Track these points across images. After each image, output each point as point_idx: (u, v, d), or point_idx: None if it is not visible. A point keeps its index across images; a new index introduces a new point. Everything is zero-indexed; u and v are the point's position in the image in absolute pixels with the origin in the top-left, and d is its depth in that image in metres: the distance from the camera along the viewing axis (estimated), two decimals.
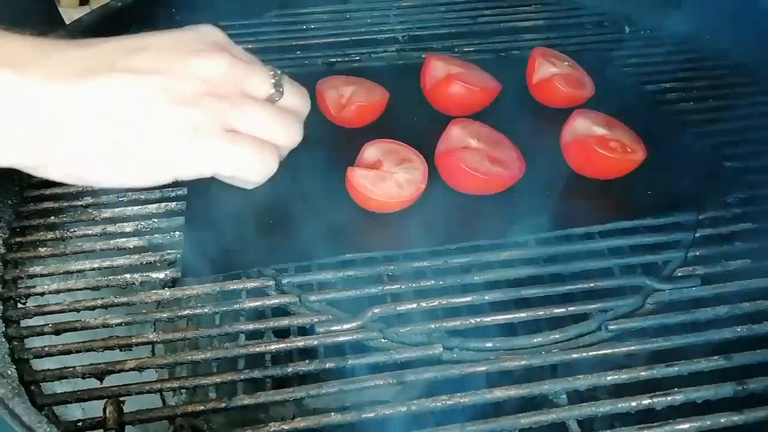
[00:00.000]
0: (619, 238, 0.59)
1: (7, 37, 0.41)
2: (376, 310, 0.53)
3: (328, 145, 0.64)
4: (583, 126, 0.64)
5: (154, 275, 0.56)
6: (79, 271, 0.56)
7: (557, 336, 0.52)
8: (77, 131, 0.41)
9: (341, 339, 0.52)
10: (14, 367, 0.48)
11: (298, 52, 0.85)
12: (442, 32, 0.88)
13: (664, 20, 0.88)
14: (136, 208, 0.61)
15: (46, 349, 0.50)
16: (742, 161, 0.66)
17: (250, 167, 0.46)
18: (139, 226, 0.59)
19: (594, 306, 0.54)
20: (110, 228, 0.59)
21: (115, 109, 0.42)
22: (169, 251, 0.57)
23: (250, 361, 0.52)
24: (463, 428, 0.44)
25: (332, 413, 0.45)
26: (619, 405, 0.46)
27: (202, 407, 0.46)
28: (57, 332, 0.51)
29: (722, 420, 0.45)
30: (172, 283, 0.56)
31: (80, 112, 0.41)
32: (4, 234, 0.59)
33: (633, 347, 0.50)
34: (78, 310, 0.53)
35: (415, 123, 0.70)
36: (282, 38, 0.87)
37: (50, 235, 0.59)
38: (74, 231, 0.60)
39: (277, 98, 0.48)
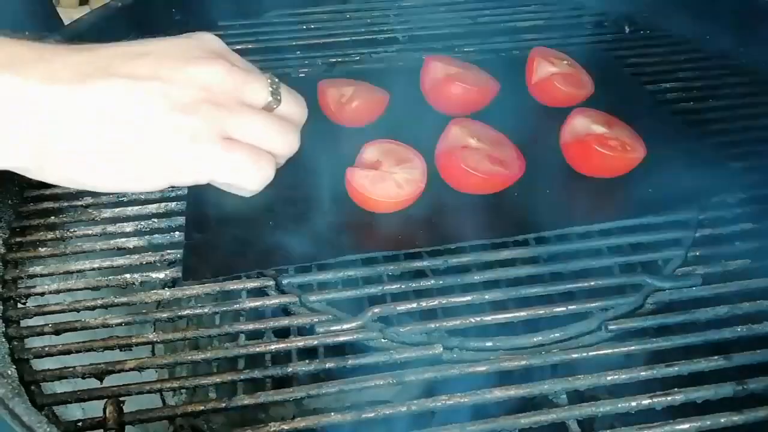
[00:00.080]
0: (619, 237, 0.59)
1: (7, 41, 0.41)
2: (376, 310, 0.53)
3: (328, 145, 0.64)
4: (582, 125, 0.64)
5: (154, 275, 0.56)
6: (79, 271, 0.56)
7: (557, 335, 0.52)
8: (76, 132, 0.41)
9: (341, 339, 0.52)
10: (14, 367, 0.48)
11: (298, 52, 0.85)
12: (442, 32, 0.88)
13: (664, 20, 0.88)
14: (136, 208, 0.61)
15: (46, 349, 0.50)
16: (742, 161, 0.66)
17: (246, 175, 0.46)
18: (139, 226, 0.59)
19: (594, 305, 0.54)
20: (110, 228, 0.59)
21: (114, 110, 0.42)
22: (169, 251, 0.57)
23: (250, 361, 0.52)
24: (463, 428, 0.44)
25: (332, 413, 0.45)
26: (619, 405, 0.46)
27: (202, 407, 0.46)
28: (57, 332, 0.51)
29: (722, 420, 0.45)
30: (172, 283, 0.57)
31: (80, 113, 0.41)
32: (4, 234, 0.59)
33: (633, 347, 0.50)
34: (78, 310, 0.53)
35: (414, 123, 0.70)
36: (282, 38, 0.87)
37: (50, 235, 0.59)
38: (74, 231, 0.60)
39: (275, 106, 0.48)
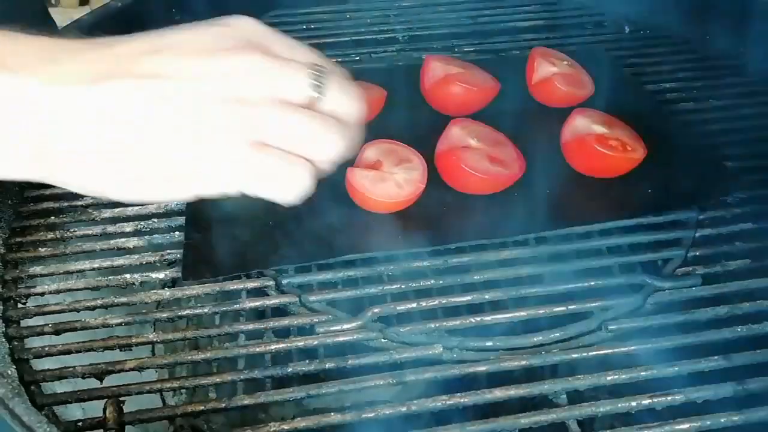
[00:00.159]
0: (619, 237, 0.59)
1: (18, 38, 0.39)
2: (376, 310, 0.53)
3: None
4: (582, 125, 0.64)
5: (154, 275, 0.56)
6: (79, 271, 0.56)
7: (557, 335, 0.52)
8: (81, 134, 0.38)
9: (341, 339, 0.52)
10: (14, 367, 0.48)
11: None
12: (442, 32, 0.88)
13: (664, 20, 0.88)
14: (136, 208, 0.61)
15: (46, 349, 0.50)
16: (742, 161, 0.66)
17: (278, 186, 0.40)
18: (139, 226, 0.59)
19: (594, 305, 0.54)
20: (110, 228, 0.59)
21: (121, 113, 0.38)
22: (169, 251, 0.57)
23: (250, 361, 0.52)
24: (463, 428, 0.44)
25: (332, 413, 0.45)
26: (619, 405, 0.46)
27: (202, 407, 0.46)
28: (57, 332, 0.51)
29: (722, 420, 0.45)
30: (172, 283, 0.57)
31: (83, 114, 0.38)
32: (4, 234, 0.59)
33: (633, 347, 0.50)
34: (78, 310, 0.53)
35: (414, 123, 0.70)
36: None
37: (50, 235, 0.59)
38: (74, 231, 0.60)
39: (319, 101, 0.41)
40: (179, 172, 0.39)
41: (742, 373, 0.48)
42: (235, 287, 0.55)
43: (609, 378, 0.48)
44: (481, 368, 0.49)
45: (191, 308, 0.53)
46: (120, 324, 0.52)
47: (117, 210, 0.61)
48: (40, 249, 0.58)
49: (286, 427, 0.45)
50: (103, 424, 0.45)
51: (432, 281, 0.55)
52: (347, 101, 0.43)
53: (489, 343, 0.52)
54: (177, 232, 0.59)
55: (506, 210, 0.61)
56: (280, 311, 0.55)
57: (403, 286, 0.55)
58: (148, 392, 0.48)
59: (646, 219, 0.61)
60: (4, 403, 0.44)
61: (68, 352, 0.50)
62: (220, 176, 0.40)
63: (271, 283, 0.55)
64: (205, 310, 0.53)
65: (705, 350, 0.49)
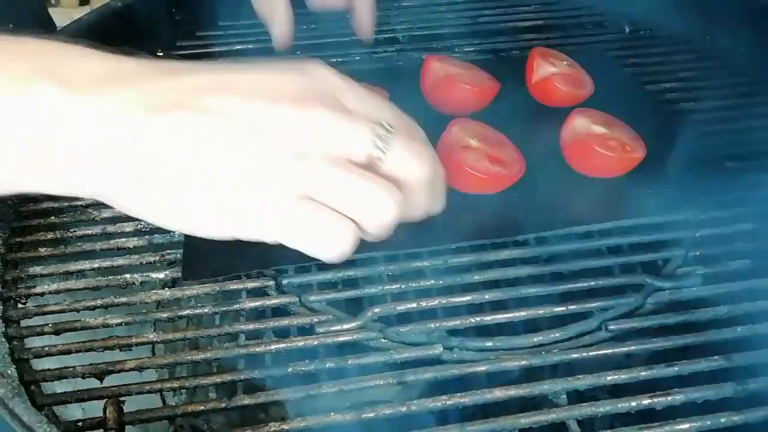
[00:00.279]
0: (619, 237, 0.59)
1: (88, 56, 0.38)
2: (376, 310, 0.53)
3: None
4: (582, 125, 0.64)
5: (154, 275, 0.56)
6: (79, 271, 0.56)
7: (558, 335, 0.52)
8: (128, 161, 0.38)
9: (341, 339, 0.52)
10: (14, 367, 0.48)
11: (298, 52, 0.85)
12: (442, 32, 0.88)
13: (664, 20, 0.88)
14: None
15: (46, 349, 0.50)
16: (742, 161, 0.66)
17: (317, 243, 0.39)
18: (139, 226, 0.59)
19: (594, 305, 0.54)
20: (110, 228, 0.59)
21: (174, 147, 0.37)
22: (169, 251, 0.57)
23: (250, 361, 0.52)
24: (463, 428, 0.44)
25: (332, 413, 0.45)
26: (619, 405, 0.46)
27: (202, 407, 0.46)
28: (57, 332, 0.51)
29: (722, 420, 0.45)
30: (172, 283, 0.57)
31: (141, 142, 0.37)
32: (4, 234, 0.59)
33: (633, 347, 0.50)
34: (78, 310, 0.53)
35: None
36: None
37: (50, 235, 0.59)
38: (74, 231, 0.60)
39: (380, 161, 0.40)
40: (222, 212, 0.39)
41: (742, 373, 0.48)
42: (235, 287, 0.55)
43: (609, 378, 0.48)
44: (481, 368, 0.49)
45: (191, 308, 0.53)
46: (120, 324, 0.52)
47: (117, 210, 0.61)
48: (40, 249, 0.58)
49: (286, 427, 0.45)
50: (103, 424, 0.45)
51: (432, 281, 0.55)
52: (412, 162, 0.41)
53: (489, 343, 0.52)
54: (177, 232, 0.59)
55: (506, 210, 0.61)
56: (280, 311, 0.55)
57: (403, 286, 0.55)
58: (149, 392, 0.48)
59: (646, 219, 0.61)
60: (4, 403, 0.44)
61: (68, 352, 0.50)
62: (261, 223, 0.39)
63: (271, 283, 0.55)
64: (205, 310, 0.53)
65: (705, 350, 0.49)
